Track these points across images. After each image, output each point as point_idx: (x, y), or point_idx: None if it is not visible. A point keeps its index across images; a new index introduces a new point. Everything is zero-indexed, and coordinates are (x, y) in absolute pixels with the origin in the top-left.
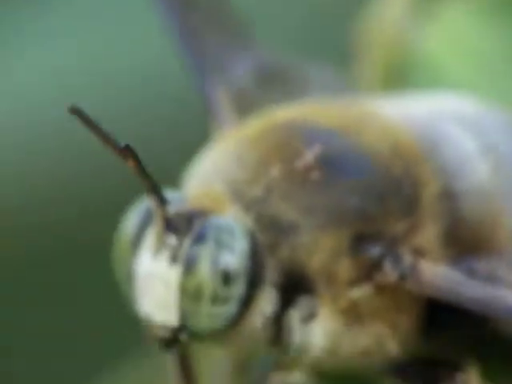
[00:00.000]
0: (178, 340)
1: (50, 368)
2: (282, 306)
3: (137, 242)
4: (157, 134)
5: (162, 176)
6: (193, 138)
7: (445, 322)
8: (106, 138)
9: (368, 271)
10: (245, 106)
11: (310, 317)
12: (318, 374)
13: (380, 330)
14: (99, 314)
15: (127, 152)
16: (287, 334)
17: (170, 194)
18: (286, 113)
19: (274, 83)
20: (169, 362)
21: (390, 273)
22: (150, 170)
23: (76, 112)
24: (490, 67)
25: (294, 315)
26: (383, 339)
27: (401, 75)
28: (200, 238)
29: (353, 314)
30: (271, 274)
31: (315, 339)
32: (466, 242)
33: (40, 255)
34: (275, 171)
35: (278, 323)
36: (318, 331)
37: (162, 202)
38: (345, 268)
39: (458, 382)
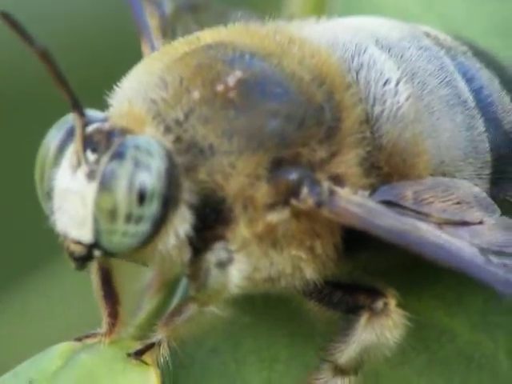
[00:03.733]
0: (92, 257)
1: None
2: (197, 230)
3: (57, 158)
4: (85, 54)
5: (89, 96)
6: (122, 59)
7: (362, 247)
8: (29, 41)
9: (285, 196)
10: (171, 33)
11: (226, 262)
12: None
13: (297, 254)
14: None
15: (45, 56)
16: (204, 276)
17: (92, 112)
18: (210, 36)
19: (199, 15)
20: (91, 278)
21: (306, 199)
22: (74, 87)
23: (4, 16)
24: None
25: (210, 259)
26: (300, 264)
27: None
28: (117, 156)
29: (269, 239)
30: (187, 195)
31: (231, 280)
32: (386, 169)
33: None
34: (196, 94)
35: (194, 262)
36: (234, 274)
37: (81, 117)
38: (262, 192)
39: (378, 307)
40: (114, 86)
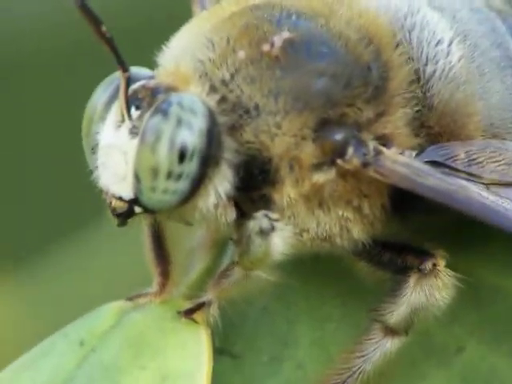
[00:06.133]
0: (133, 213)
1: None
2: (242, 190)
3: (103, 114)
4: (134, 15)
5: (139, 54)
6: (172, 20)
7: (411, 207)
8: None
9: (331, 156)
10: None
11: (268, 230)
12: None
13: (344, 214)
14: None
15: (85, 9)
16: (246, 243)
17: (138, 69)
18: None
19: None
20: (142, 236)
21: (352, 159)
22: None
23: None
24: None
25: (252, 227)
26: (348, 224)
27: None
28: (160, 113)
29: (316, 199)
30: (229, 155)
31: (274, 248)
32: (437, 129)
33: None
34: (242, 54)
35: (239, 226)
36: (276, 242)
37: (125, 73)
38: (307, 152)
39: (426, 268)
40: (163, 46)
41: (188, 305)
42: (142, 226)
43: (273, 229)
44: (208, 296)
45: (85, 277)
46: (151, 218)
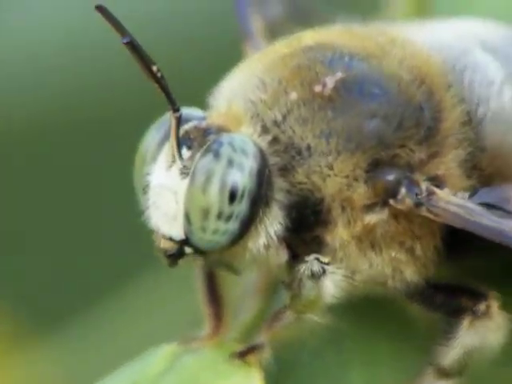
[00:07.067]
0: (183, 254)
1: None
2: (293, 231)
3: (155, 155)
4: (187, 55)
5: (191, 96)
6: (224, 61)
7: (464, 249)
8: (120, 32)
9: (383, 197)
10: (275, 36)
11: (319, 274)
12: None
13: (396, 256)
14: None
15: (133, 46)
16: (297, 287)
17: (189, 110)
18: (310, 37)
19: (304, 21)
20: (195, 280)
21: (405, 199)
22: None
23: (99, 9)
24: None
25: (303, 271)
26: (400, 265)
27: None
28: (211, 153)
29: (368, 240)
30: (280, 195)
31: (326, 291)
32: (489, 171)
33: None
34: (294, 95)
35: (291, 269)
36: (328, 285)
37: (175, 113)
38: (360, 193)
39: (480, 311)
40: (215, 87)
41: (241, 347)
42: (194, 269)
43: (324, 272)
44: (261, 339)
45: (135, 321)
46: (201, 259)
